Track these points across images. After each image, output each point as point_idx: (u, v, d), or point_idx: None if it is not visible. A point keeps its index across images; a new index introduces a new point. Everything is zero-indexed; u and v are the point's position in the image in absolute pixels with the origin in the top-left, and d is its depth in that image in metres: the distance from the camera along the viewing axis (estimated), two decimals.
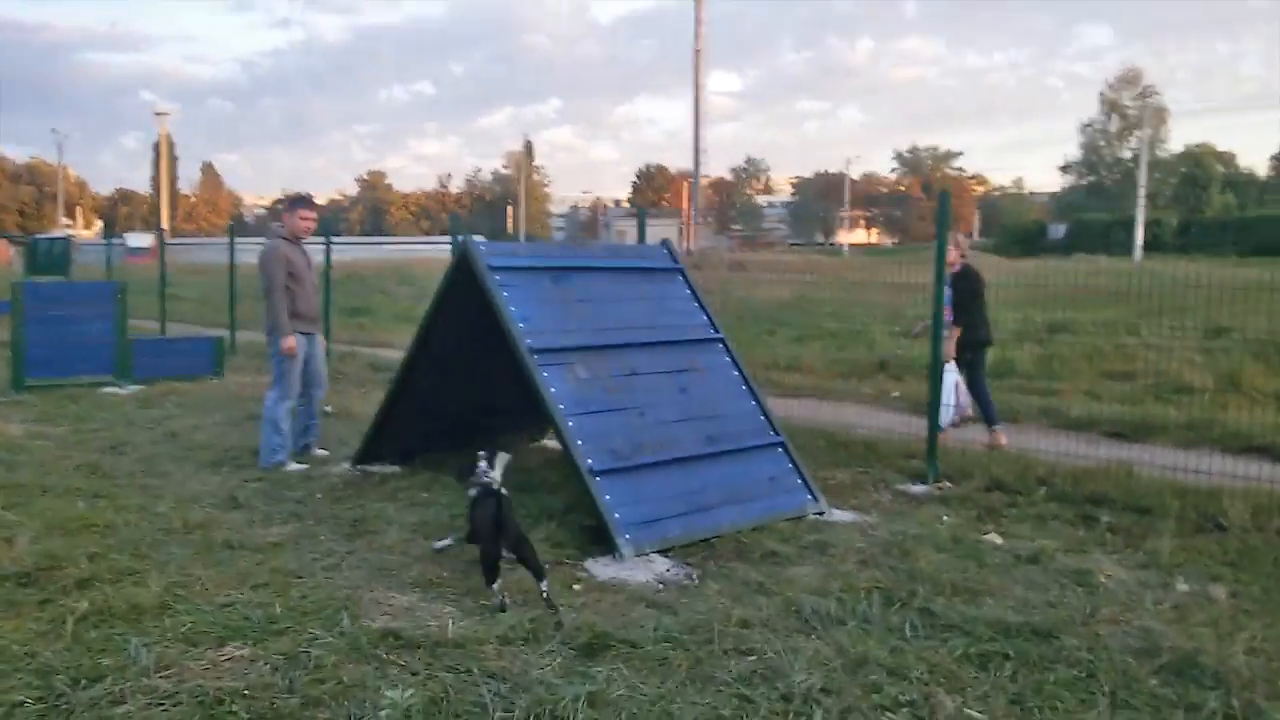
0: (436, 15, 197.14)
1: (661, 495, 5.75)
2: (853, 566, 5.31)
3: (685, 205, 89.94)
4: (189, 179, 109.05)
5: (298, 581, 4.99)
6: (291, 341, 7.51)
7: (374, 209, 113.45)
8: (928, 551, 5.54)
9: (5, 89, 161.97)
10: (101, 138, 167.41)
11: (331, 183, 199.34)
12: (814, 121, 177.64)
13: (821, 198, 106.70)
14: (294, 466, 7.37)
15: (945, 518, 6.38)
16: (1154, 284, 12.41)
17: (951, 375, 8.23)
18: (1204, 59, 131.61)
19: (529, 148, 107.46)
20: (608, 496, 5.53)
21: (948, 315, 8.22)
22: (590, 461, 5.62)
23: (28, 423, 9.23)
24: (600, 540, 5.58)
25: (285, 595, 4.79)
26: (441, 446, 7.63)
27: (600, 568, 5.27)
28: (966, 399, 8.44)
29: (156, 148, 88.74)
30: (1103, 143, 69.07)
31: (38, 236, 36.83)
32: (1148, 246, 49.07)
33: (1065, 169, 73.68)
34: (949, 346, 8.20)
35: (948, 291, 7.98)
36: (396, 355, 15.68)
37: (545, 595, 4.62)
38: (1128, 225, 53.56)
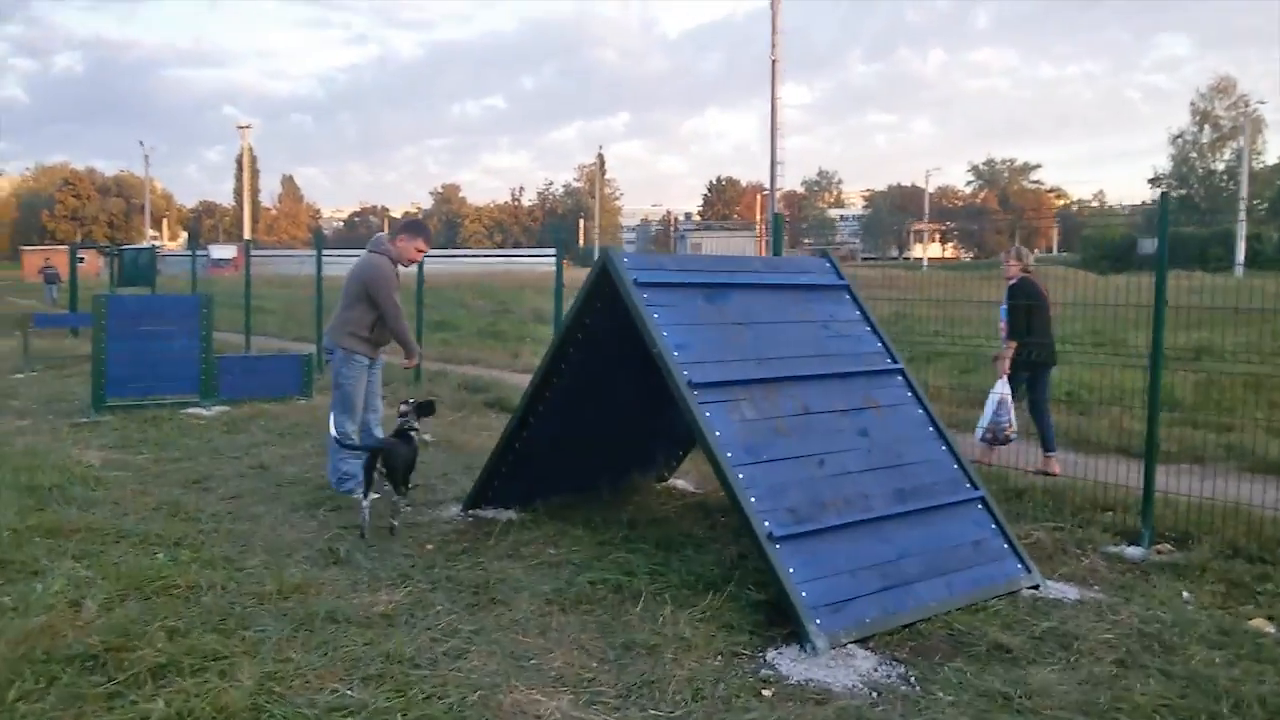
0: (508, 30, 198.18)
1: (853, 567, 4.64)
2: (1111, 668, 4.14)
3: (759, 218, 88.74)
4: (270, 192, 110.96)
5: (417, 673, 3.98)
6: (414, 359, 7.31)
7: (448, 221, 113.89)
8: (1197, 648, 4.35)
9: (95, 104, 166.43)
10: (186, 151, 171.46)
11: (406, 196, 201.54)
12: (883, 134, 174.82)
13: (895, 210, 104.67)
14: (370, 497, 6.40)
15: (1185, 594, 5.16)
16: None
17: (996, 394, 7.84)
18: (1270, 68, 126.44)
19: (601, 161, 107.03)
20: (791, 569, 4.43)
21: (1002, 331, 8.18)
22: (768, 524, 4.53)
23: (107, 449, 8.44)
24: (778, 620, 4.49)
25: (405, 694, 3.79)
26: (564, 488, 6.62)
27: (789, 663, 4.17)
28: (1008, 418, 7.78)
29: (239, 160, 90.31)
30: (1194, 154, 66.14)
31: (125, 247, 37.02)
32: (1247, 262, 46.48)
33: (1154, 181, 70.69)
34: (1003, 364, 8.02)
35: (1002, 306, 7.98)
36: (487, 374, 14.89)
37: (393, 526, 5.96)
38: (1223, 239, 50.96)
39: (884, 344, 5.87)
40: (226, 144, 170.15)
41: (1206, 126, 64.47)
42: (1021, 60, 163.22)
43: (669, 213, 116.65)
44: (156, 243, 65.64)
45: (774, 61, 58.76)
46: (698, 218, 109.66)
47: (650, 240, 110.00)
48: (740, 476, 4.65)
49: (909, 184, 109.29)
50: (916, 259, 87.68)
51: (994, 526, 5.31)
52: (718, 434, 4.77)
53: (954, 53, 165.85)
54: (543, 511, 6.30)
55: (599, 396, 6.20)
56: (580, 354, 5.75)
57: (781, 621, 4.48)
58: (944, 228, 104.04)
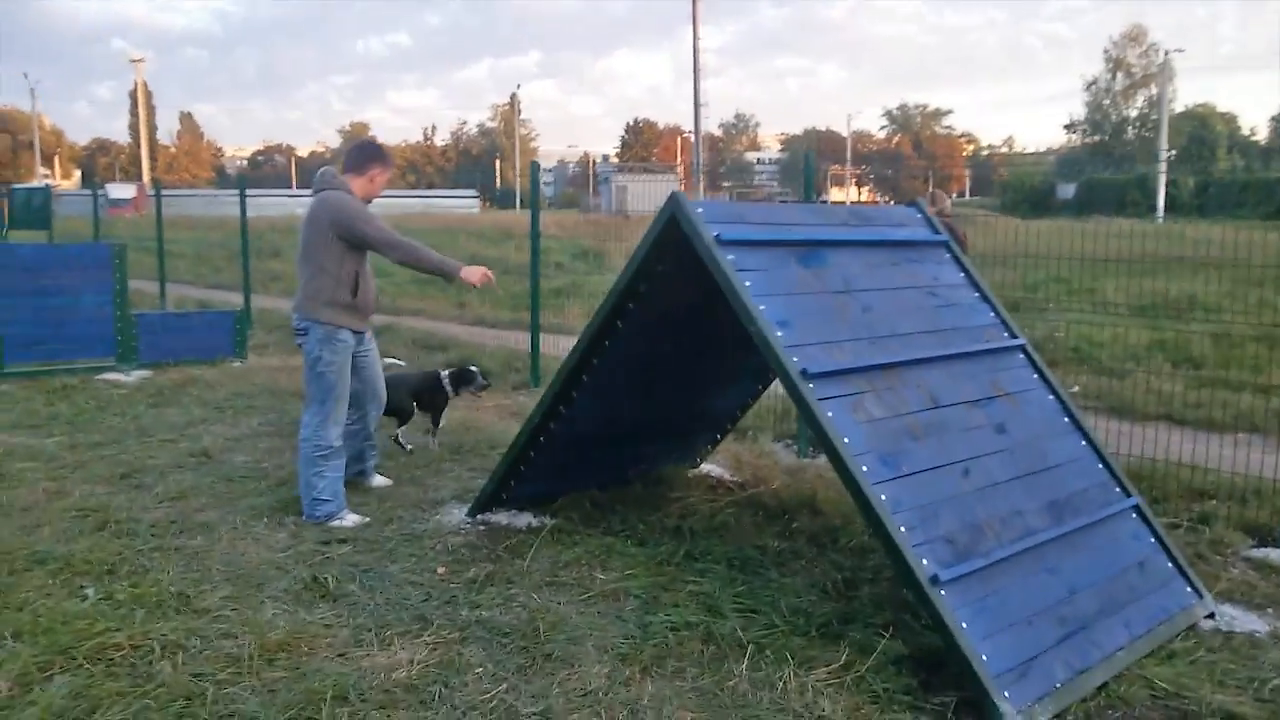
0: None
1: (1028, 613, 3.57)
2: None
3: (679, 160, 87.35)
4: (167, 129, 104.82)
5: None
6: (477, 273, 5.18)
7: None
8: None
9: None
10: (74, 87, 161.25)
11: (311, 134, 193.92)
12: (795, 78, 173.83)
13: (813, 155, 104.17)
14: (351, 519, 5.11)
15: None
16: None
17: None
18: (1181, 19, 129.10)
19: (515, 101, 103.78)
20: (964, 623, 3.33)
21: None
22: (926, 562, 3.41)
23: (9, 431, 6.91)
24: (938, 682, 3.42)
25: None
26: (590, 483, 5.43)
27: None
28: None
29: (133, 96, 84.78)
30: (1108, 101, 66.65)
31: (15, 186, 33.81)
32: (1164, 208, 47.10)
33: (1069, 128, 71.24)
34: None
35: None
36: (437, 327, 13.48)
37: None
38: (1141, 185, 51.54)
39: (998, 314, 4.76)
40: (118, 79, 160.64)
41: (1119, 74, 64.89)
42: (928, 6, 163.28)
43: (586, 154, 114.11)
44: (49, 182, 61.19)
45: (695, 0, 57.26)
46: (615, 159, 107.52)
47: (568, 182, 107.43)
48: (883, 498, 3.51)
49: (824, 128, 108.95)
50: (836, 203, 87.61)
51: (1153, 541, 4.30)
52: (846, 440, 3.62)
53: None
54: (569, 516, 5.09)
55: (646, 377, 5.00)
56: (631, 326, 4.51)
57: (943, 684, 3.41)
58: (860, 172, 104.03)
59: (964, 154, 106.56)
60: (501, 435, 6.71)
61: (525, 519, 5.12)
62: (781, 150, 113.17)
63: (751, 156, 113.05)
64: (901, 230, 4.87)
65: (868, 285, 4.36)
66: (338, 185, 5.23)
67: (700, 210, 4.06)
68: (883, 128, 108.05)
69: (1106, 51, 66.41)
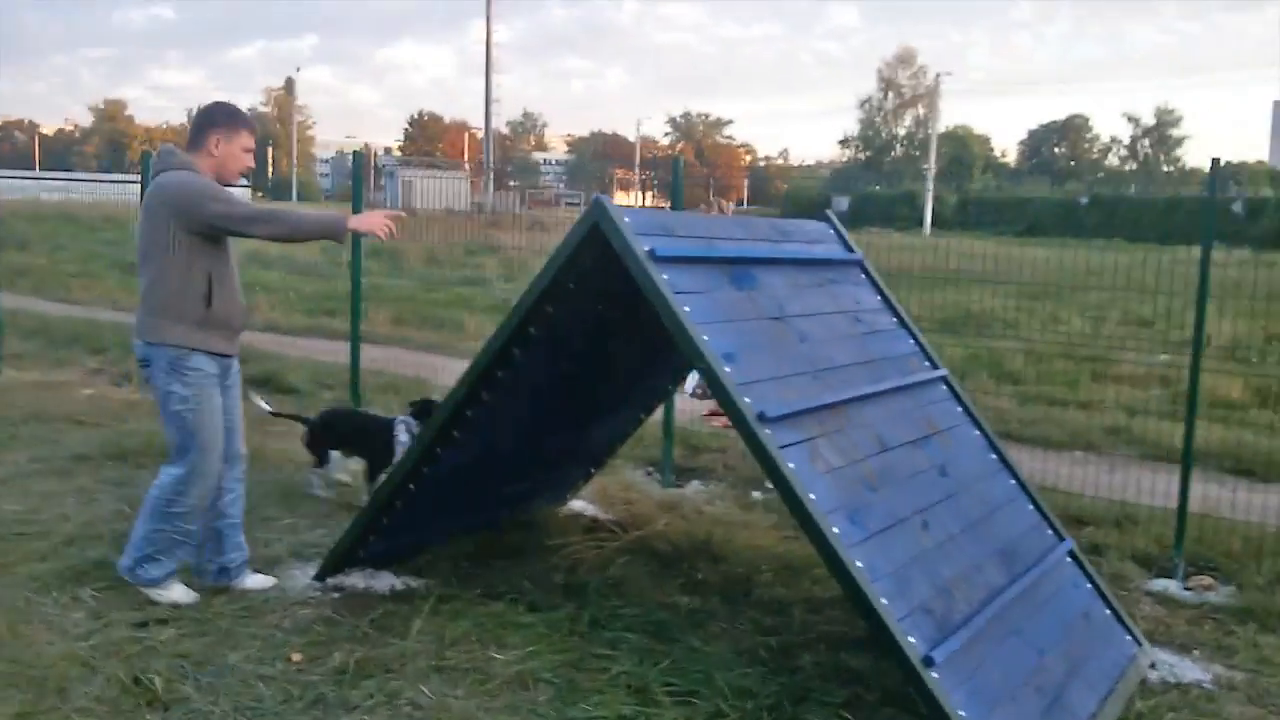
0: None
1: (1011, 685, 3.18)
2: None
3: (466, 157, 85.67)
4: None
5: None
6: (374, 220, 3.95)
7: (113, 143, 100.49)
8: None
9: None
10: None
11: (58, 111, 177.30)
12: (581, 80, 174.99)
13: (599, 157, 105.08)
14: (180, 593, 4.05)
15: None
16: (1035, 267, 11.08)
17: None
18: (940, 45, 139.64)
19: (290, 85, 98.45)
20: (963, 711, 2.89)
21: None
22: (915, 641, 2.95)
23: None
24: None
25: None
26: (458, 529, 4.70)
27: None
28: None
29: None
30: (879, 119, 70.69)
31: None
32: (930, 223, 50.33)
33: (844, 143, 75.06)
34: None
35: None
36: None
37: None
38: (908, 200, 54.82)
39: (918, 341, 4.42)
40: None
41: (891, 93, 69.01)
42: (709, 17, 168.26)
43: (367, 145, 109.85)
44: None
45: None
46: (398, 152, 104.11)
47: (347, 175, 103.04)
48: (860, 565, 3.02)
49: (611, 131, 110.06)
50: (623, 206, 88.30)
51: (1090, 587, 4.06)
52: (813, 497, 3.11)
53: (647, 4, 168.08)
54: (441, 575, 4.34)
55: (535, 408, 4.32)
56: (531, 354, 3.82)
57: None
58: (645, 176, 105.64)
59: (743, 164, 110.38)
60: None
61: (387, 581, 4.32)
62: (568, 151, 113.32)
63: (539, 157, 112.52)
64: (819, 248, 4.45)
65: (800, 310, 3.88)
66: (177, 165, 4.01)
67: (629, 220, 3.44)
68: (667, 134, 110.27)
69: (879, 71, 70.50)
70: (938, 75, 60.09)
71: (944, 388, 4.33)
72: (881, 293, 4.51)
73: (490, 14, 56.21)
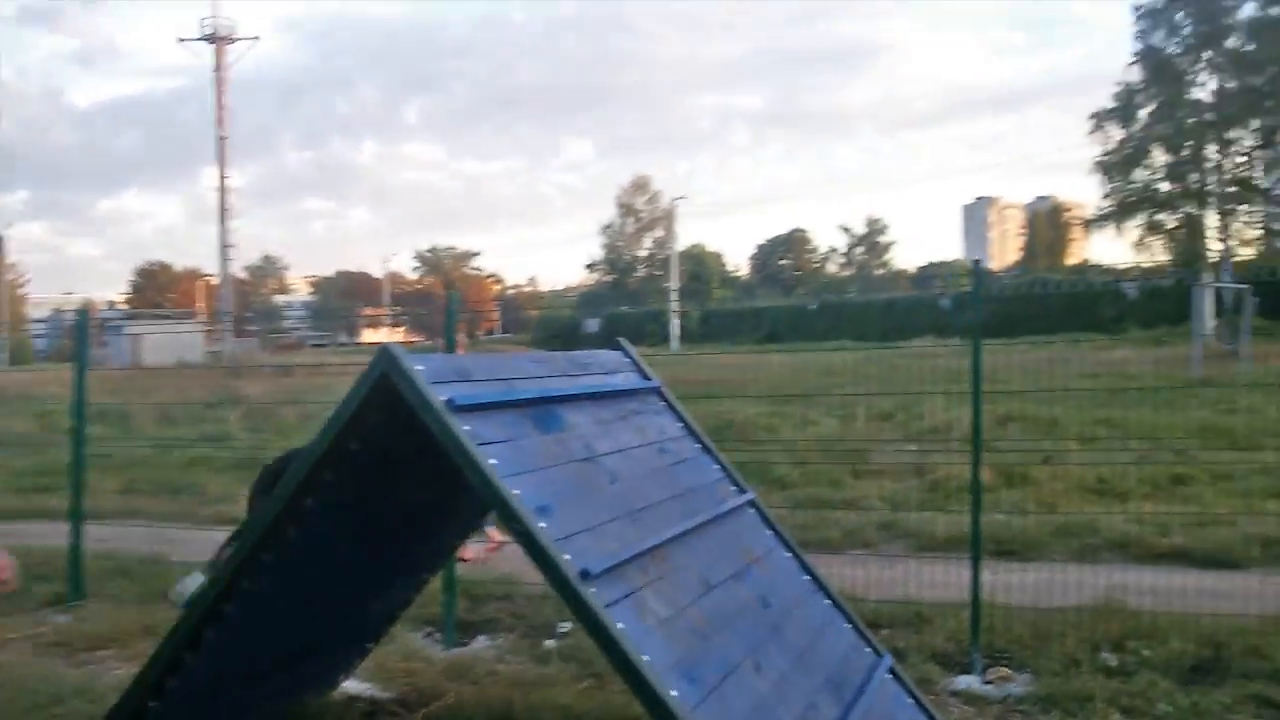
0: None
1: None
2: None
3: (202, 305, 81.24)
4: None
5: None
6: None
7: None
8: None
9: None
10: None
11: None
12: (322, 220, 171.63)
13: (344, 296, 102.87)
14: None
15: None
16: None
17: None
18: (670, 172, 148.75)
19: (1, 244, 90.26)
20: None
21: None
22: None
23: None
24: None
25: None
26: None
27: None
28: None
29: None
30: (621, 243, 73.44)
31: None
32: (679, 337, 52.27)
33: (590, 267, 77.31)
34: None
35: None
36: None
37: None
38: (656, 318, 56.85)
39: (723, 466, 4.33)
40: None
41: (630, 219, 72.09)
42: (449, 155, 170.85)
43: (88, 300, 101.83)
44: None
45: (222, 139, 54.59)
46: (124, 305, 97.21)
47: (62, 335, 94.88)
48: None
49: (357, 269, 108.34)
50: (374, 343, 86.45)
51: (911, 701, 4.00)
52: (647, 659, 2.86)
53: (387, 144, 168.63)
54: None
55: (307, 590, 3.83)
56: (305, 531, 3.39)
57: None
58: (391, 313, 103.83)
59: (492, 293, 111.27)
60: (44, 686, 4.95)
61: None
62: (312, 293, 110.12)
63: (281, 300, 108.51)
64: (617, 377, 4.30)
65: (607, 448, 3.69)
66: None
67: (422, 368, 3.14)
68: (415, 269, 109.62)
69: (618, 198, 73.57)
70: (672, 200, 63.47)
71: (753, 511, 4.24)
72: (682, 418, 4.40)
73: (224, 159, 54.45)
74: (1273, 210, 36.13)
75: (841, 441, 12.94)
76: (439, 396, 3.09)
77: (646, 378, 4.46)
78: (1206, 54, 35.70)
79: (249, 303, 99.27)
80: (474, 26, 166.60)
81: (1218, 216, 36.40)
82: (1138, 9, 37.24)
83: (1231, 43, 34.85)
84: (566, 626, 5.86)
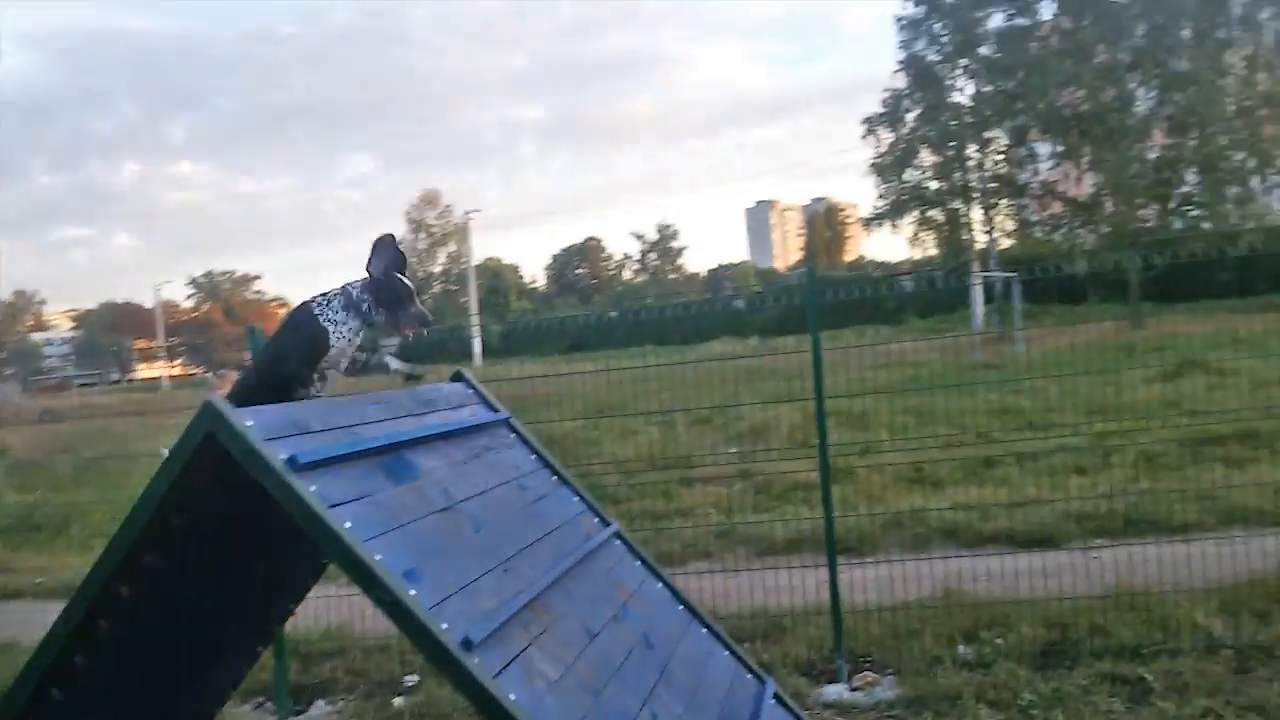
0: None
1: None
2: None
3: None
4: None
5: None
6: None
7: None
8: None
9: None
10: None
11: None
12: (83, 249, 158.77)
13: (112, 330, 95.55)
14: None
15: None
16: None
17: None
18: (459, 186, 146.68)
19: None
20: None
21: None
22: None
23: None
24: None
25: None
26: None
27: None
28: None
29: None
30: (414, 259, 71.62)
31: None
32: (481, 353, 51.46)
33: None
34: None
35: None
36: None
37: None
38: (455, 333, 55.75)
39: (583, 497, 4.06)
40: None
41: (421, 233, 70.36)
42: (222, 174, 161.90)
43: None
44: None
45: None
46: None
47: None
48: None
49: (123, 300, 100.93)
50: (150, 379, 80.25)
51: None
52: None
53: (151, 165, 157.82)
54: None
55: (116, 697, 3.28)
56: (117, 627, 2.88)
57: None
58: (166, 345, 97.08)
59: (278, 319, 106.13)
60: None
61: None
62: (75, 327, 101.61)
63: (40, 337, 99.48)
64: (463, 412, 3.94)
65: (466, 492, 3.34)
66: None
67: (252, 423, 2.71)
68: (190, 296, 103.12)
69: (407, 214, 71.62)
70: (465, 213, 62.48)
71: (619, 543, 3.99)
72: (535, 450, 4.10)
73: None
74: (1024, 203, 39.28)
75: (665, 454, 12.93)
76: (277, 455, 2.67)
77: (494, 409, 4.12)
78: (963, 61, 38.43)
79: (1, 343, 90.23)
80: (240, 40, 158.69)
81: (982, 211, 39.27)
82: (900, 20, 39.69)
83: (984, 50, 37.62)
84: (413, 679, 5.43)
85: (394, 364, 3.73)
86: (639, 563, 3.98)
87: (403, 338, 3.58)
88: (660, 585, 3.96)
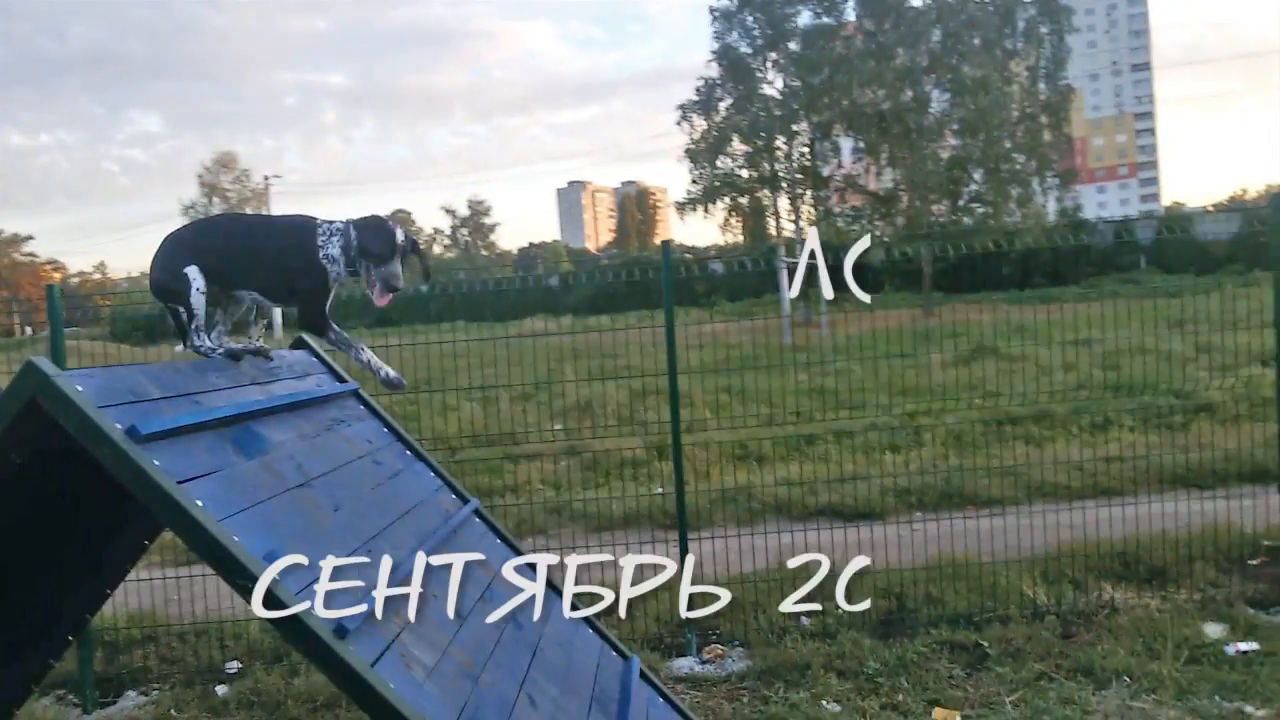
0: None
1: None
2: None
3: None
4: None
5: None
6: None
7: None
8: None
9: None
10: None
11: None
12: None
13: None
14: None
15: (830, 705, 4.35)
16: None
17: None
18: (254, 150, 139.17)
19: None
20: None
21: None
22: None
23: None
24: None
25: None
26: None
27: None
28: None
29: None
30: None
31: None
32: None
33: None
34: None
35: None
36: None
37: None
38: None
39: (438, 473, 3.82)
40: None
41: (216, 198, 65.87)
42: None
43: None
44: None
45: None
46: None
47: None
48: None
49: None
50: None
51: (664, 702, 3.79)
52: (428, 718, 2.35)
53: None
54: None
55: None
56: None
57: None
58: None
59: (54, 282, 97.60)
60: None
61: None
62: None
63: None
64: (308, 381, 3.61)
65: (321, 468, 3.05)
66: None
67: (82, 389, 2.34)
68: None
69: (200, 176, 66.78)
70: (265, 178, 59.13)
71: (479, 521, 3.78)
72: (387, 423, 3.82)
73: None
74: (826, 195, 40.96)
75: (489, 431, 12.64)
76: (115, 425, 2.32)
77: (340, 379, 3.81)
78: (773, 55, 39.56)
79: None
80: None
81: (788, 201, 40.62)
82: (713, 11, 40.41)
83: (793, 45, 38.85)
84: (235, 666, 5.02)
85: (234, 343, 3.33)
86: (499, 541, 3.79)
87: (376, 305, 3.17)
88: (525, 565, 3.77)
